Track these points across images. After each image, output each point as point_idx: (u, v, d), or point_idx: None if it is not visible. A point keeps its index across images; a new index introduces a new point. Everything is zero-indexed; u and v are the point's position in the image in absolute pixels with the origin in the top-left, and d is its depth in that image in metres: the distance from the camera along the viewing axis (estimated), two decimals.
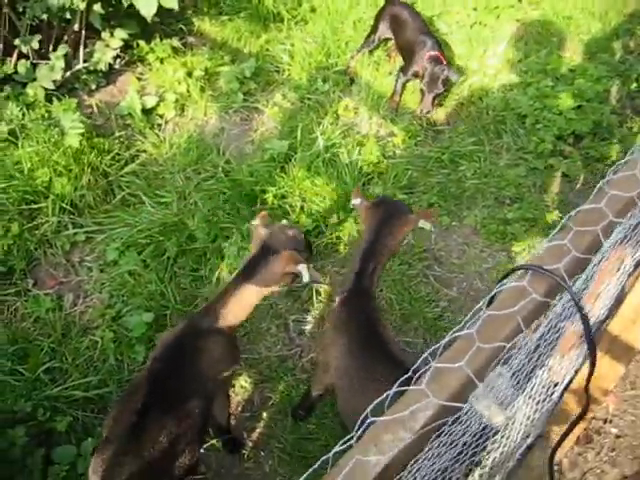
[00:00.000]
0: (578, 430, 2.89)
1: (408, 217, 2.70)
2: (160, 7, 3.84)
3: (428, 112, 4.28)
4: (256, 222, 2.68)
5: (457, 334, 1.09)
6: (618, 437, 3.15)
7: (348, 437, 0.91)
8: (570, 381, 2.70)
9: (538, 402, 2.03)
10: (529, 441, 2.59)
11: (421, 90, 4.27)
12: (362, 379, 2.51)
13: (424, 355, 1.15)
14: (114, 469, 2.05)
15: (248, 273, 2.51)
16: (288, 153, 3.94)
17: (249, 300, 2.53)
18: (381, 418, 0.95)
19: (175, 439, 2.20)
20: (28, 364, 3.06)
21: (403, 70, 4.41)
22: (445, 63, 4.23)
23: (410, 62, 4.37)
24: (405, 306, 3.43)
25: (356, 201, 2.80)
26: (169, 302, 3.32)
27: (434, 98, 4.26)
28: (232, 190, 3.71)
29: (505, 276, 1.27)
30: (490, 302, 1.21)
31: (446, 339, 1.08)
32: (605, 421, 3.20)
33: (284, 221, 2.87)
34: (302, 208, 3.71)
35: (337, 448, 0.91)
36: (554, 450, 1.83)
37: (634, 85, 4.64)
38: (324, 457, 0.91)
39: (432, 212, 2.81)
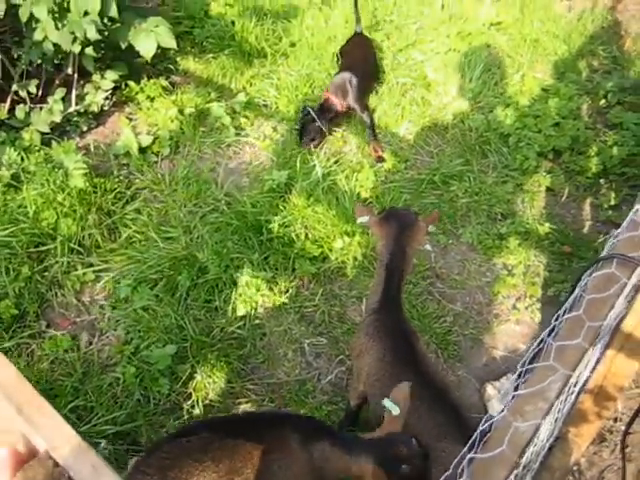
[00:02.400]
0: (594, 430, 3.02)
1: (420, 224, 2.83)
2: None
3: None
4: (362, 219, 2.83)
5: (566, 316, 1.22)
6: (629, 434, 3.30)
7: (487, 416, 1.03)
8: (586, 381, 2.83)
9: (561, 402, 2.16)
10: (550, 442, 2.71)
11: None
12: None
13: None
14: None
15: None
16: (288, 183, 4.05)
17: None
18: (521, 392, 1.08)
19: None
20: (55, 404, 3.08)
21: None
22: (330, 106, 4.45)
23: None
24: (415, 323, 3.55)
25: (363, 218, 2.86)
26: (187, 334, 3.38)
27: (310, 141, 4.43)
28: (238, 221, 3.80)
29: (590, 265, 1.41)
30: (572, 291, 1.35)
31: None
32: (615, 420, 3.35)
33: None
34: (307, 235, 3.82)
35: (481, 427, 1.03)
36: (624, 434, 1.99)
37: (602, 101, 4.90)
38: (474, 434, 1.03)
39: (435, 215, 2.95)
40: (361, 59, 4.76)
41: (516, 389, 1.19)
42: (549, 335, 1.26)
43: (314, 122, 4.36)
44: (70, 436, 0.77)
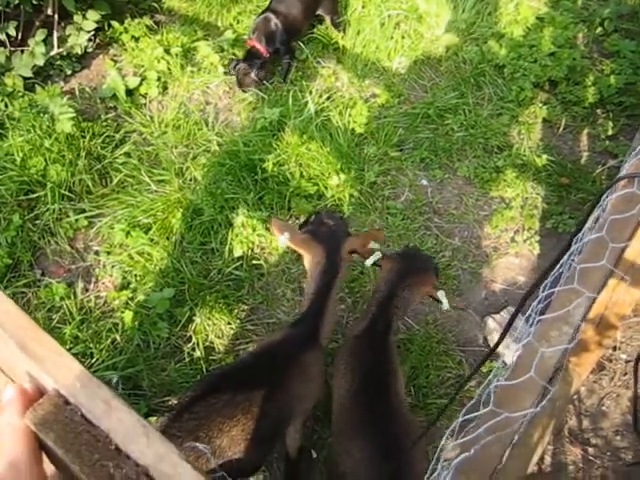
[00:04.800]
0: (594, 359, 3.03)
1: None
2: None
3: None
4: (284, 237, 2.59)
5: (588, 237, 1.18)
6: (628, 362, 3.33)
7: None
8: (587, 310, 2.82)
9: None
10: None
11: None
12: (355, 426, 2.39)
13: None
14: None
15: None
16: (280, 120, 3.96)
17: None
18: (545, 316, 1.04)
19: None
20: None
21: None
22: (256, 54, 4.23)
23: None
24: None
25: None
26: (184, 277, 3.34)
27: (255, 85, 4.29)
28: (231, 161, 3.73)
29: (609, 187, 1.36)
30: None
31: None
32: (614, 348, 3.37)
33: None
34: (301, 174, 3.76)
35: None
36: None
37: (599, 29, 4.78)
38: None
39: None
40: None
41: (542, 313, 1.14)
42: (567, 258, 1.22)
43: (247, 74, 4.20)
44: (79, 372, 0.73)
